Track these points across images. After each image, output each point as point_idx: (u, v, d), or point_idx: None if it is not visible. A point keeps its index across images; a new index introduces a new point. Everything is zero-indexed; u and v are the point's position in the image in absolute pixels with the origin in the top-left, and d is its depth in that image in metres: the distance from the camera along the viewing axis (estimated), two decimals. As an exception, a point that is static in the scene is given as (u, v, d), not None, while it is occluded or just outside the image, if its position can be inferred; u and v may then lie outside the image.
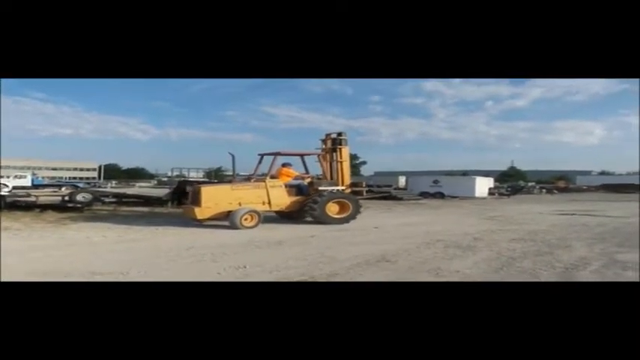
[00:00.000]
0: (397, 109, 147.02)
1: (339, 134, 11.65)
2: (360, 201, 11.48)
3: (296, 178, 11.10)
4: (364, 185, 13.03)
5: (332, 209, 10.52)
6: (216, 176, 44.52)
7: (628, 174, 66.97)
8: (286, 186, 10.62)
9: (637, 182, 50.59)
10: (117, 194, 15.75)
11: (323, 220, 10.21)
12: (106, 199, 14.50)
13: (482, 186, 31.44)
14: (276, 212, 10.83)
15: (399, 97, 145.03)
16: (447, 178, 34.43)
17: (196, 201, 9.92)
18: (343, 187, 11.21)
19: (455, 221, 12.27)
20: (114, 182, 53.20)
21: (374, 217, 12.76)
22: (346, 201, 10.74)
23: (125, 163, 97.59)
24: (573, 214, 14.65)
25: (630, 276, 5.06)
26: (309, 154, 11.49)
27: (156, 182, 54.26)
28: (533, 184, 48.06)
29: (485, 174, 40.17)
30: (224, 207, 9.69)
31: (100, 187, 28.53)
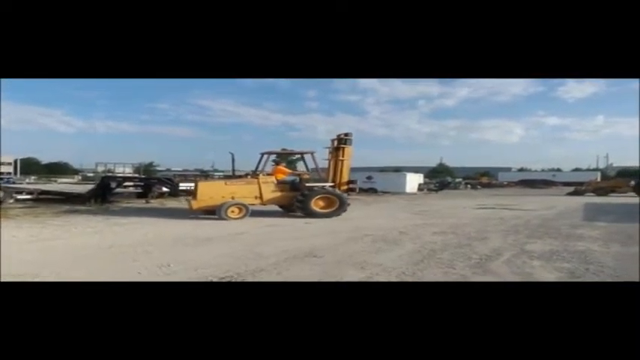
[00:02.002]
0: (333, 106, 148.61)
1: (346, 134, 12.31)
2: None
3: (291, 174, 12.11)
4: (357, 183, 14.02)
5: (319, 204, 11.35)
6: (145, 172, 42.58)
7: (543, 170, 73.24)
8: (280, 182, 11.51)
9: (549, 178, 55.86)
10: (33, 191, 14.60)
11: (310, 213, 11.05)
12: (20, 197, 13.42)
13: (413, 182, 32.85)
14: (279, 205, 11.90)
15: (336, 93, 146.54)
16: (379, 175, 35.45)
17: (193, 194, 11.26)
18: (332, 184, 11.83)
19: (384, 216, 12.70)
20: (32, 178, 49.21)
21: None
22: (333, 197, 11.43)
23: (46, 158, 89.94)
24: (493, 208, 15.70)
25: (536, 265, 5.50)
26: (306, 153, 12.59)
27: (80, 178, 50.86)
28: (460, 180, 50.66)
29: (416, 170, 41.86)
30: (218, 200, 10.78)
31: (14, 183, 26.27)
